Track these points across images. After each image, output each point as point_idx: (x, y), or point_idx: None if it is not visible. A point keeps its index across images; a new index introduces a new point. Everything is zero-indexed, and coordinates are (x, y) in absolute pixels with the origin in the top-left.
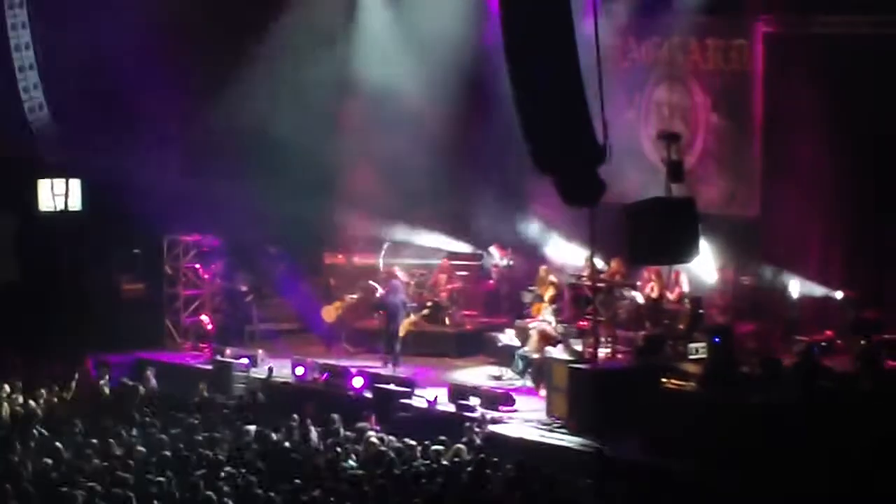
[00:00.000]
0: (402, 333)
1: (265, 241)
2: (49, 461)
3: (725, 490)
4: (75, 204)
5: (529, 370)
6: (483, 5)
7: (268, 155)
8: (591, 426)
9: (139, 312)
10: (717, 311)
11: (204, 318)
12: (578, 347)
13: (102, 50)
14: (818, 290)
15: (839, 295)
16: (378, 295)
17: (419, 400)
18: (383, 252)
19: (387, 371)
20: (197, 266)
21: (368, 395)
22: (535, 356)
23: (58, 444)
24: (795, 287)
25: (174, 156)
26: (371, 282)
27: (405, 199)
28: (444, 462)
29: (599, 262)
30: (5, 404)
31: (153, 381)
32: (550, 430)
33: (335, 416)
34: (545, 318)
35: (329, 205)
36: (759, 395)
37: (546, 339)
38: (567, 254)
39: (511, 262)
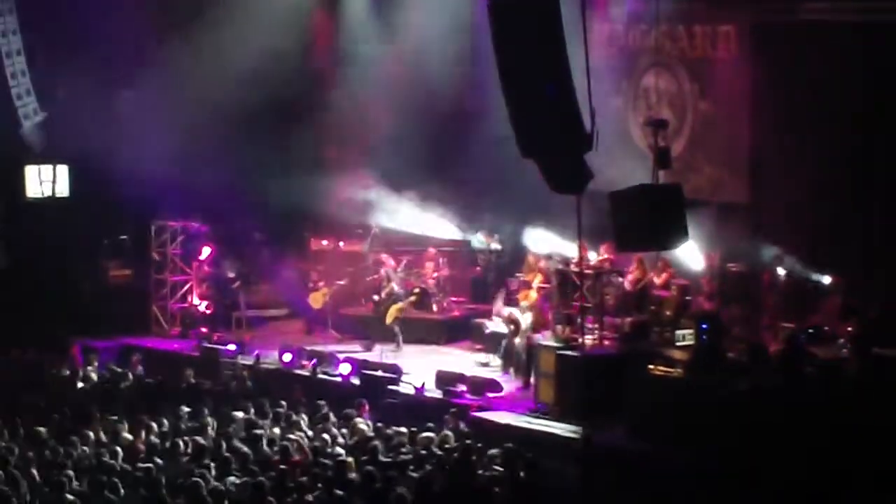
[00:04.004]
0: (389, 321)
1: (252, 226)
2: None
3: (711, 476)
4: (62, 190)
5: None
6: None
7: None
8: (578, 412)
9: (126, 298)
10: (704, 298)
11: (197, 302)
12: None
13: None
14: (805, 277)
15: (826, 281)
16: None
17: (406, 386)
18: (370, 238)
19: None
20: (184, 252)
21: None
22: (518, 343)
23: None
24: (782, 273)
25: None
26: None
27: (392, 180)
28: (432, 449)
29: (587, 249)
30: None
31: (140, 368)
32: (537, 417)
33: (322, 402)
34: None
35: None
36: (746, 382)
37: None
38: (555, 240)
39: (499, 247)
